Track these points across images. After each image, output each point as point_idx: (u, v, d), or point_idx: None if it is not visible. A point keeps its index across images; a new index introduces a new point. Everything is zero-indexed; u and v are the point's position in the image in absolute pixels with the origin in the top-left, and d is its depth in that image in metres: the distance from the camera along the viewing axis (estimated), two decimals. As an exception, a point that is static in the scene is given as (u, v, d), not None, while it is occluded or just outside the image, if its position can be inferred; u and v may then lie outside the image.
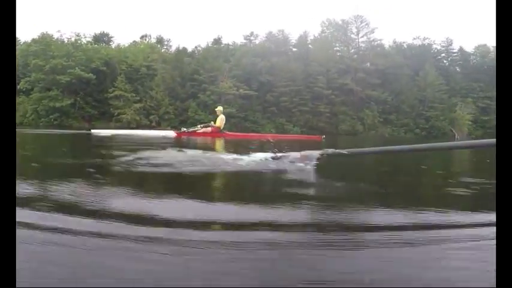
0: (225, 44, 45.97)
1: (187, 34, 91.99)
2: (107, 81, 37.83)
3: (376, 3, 78.98)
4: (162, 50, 45.04)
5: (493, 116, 38.41)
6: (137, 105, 35.94)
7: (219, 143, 7.31)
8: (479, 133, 37.57)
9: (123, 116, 35.28)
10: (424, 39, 40.59)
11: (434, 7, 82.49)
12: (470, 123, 36.63)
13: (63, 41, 39.69)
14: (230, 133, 11.21)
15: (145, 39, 52.41)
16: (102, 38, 51.77)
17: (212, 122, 10.77)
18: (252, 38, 45.20)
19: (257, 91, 37.81)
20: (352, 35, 38.45)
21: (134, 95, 36.69)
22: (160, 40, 53.04)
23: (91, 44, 45.59)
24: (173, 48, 49.57)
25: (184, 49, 43.38)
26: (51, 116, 34.43)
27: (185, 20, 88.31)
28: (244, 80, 37.52)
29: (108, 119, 36.85)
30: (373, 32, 38.42)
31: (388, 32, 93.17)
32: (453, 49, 41.88)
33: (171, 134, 10.64)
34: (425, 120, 36.80)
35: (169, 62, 39.18)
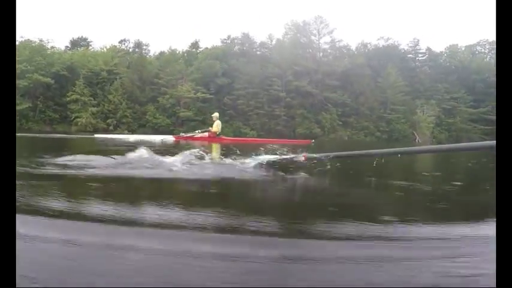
0: (193, 48, 45.86)
1: (167, 38, 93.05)
2: (68, 85, 38.06)
3: (346, 4, 78.44)
4: (135, 55, 45.08)
5: (458, 119, 37.34)
6: (93, 109, 35.97)
7: (215, 147, 7.70)
8: (443, 136, 36.46)
9: (79, 119, 35.32)
10: (388, 39, 39.71)
11: (405, 8, 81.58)
12: (432, 125, 35.50)
13: (27, 46, 40.09)
14: (227, 138, 11.90)
15: (124, 44, 53.16)
16: (80, 43, 52.49)
17: (210, 128, 11.23)
18: (228, 41, 44.80)
19: (215, 94, 37.52)
20: (313, 37, 37.85)
21: (92, 98, 36.77)
22: (138, 44, 53.58)
23: (68, 49, 46.22)
24: (152, 53, 50.16)
25: (151, 53, 43.39)
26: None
27: (165, 25, 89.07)
28: (203, 84, 37.29)
29: (69, 122, 37.05)
30: (332, 33, 37.75)
31: (358, 34, 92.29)
32: (420, 49, 40.89)
33: (170, 138, 11.11)
34: (386, 123, 35.87)
35: (131, 66, 39.17)
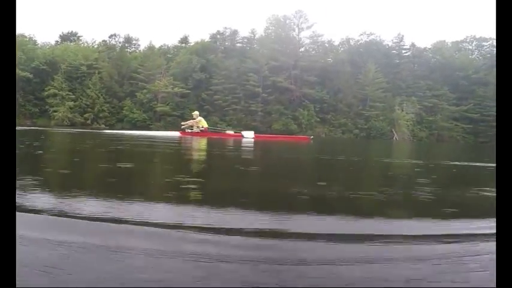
0: (182, 42, 45.56)
1: (158, 33, 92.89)
2: (49, 79, 38.14)
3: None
4: (116, 50, 44.97)
5: (439, 117, 36.63)
6: (70, 103, 36.00)
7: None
8: (423, 134, 35.79)
9: (55, 113, 35.38)
10: (370, 35, 38.98)
11: (395, 3, 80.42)
12: (411, 123, 34.84)
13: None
14: (228, 133, 13.13)
15: (114, 39, 53.19)
16: (69, 37, 52.60)
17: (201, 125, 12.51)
18: (218, 35, 44.28)
19: (194, 89, 37.28)
20: (293, 32, 37.32)
21: (70, 93, 36.80)
22: (128, 39, 53.57)
23: (58, 43, 46.30)
24: (142, 48, 50.06)
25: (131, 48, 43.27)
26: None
27: (156, 19, 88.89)
28: (182, 79, 37.06)
29: (48, 116, 37.14)
30: (311, 27, 37.14)
31: (345, 29, 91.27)
32: (405, 45, 40.10)
33: (176, 134, 12.31)
34: (365, 120, 35.31)
35: (111, 61, 39.07)
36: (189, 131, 12.42)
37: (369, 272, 0.92)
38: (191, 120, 12.62)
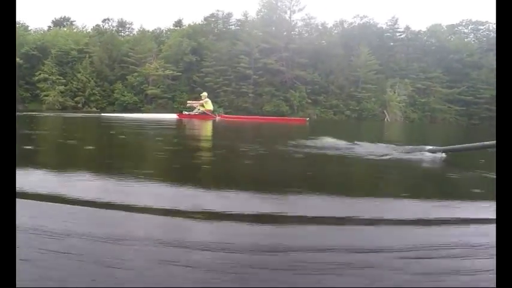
0: (176, 26, 45.16)
1: (154, 17, 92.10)
2: (40, 65, 37.93)
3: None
4: (106, 34, 44.63)
5: (432, 99, 36.38)
6: (61, 88, 35.83)
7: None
8: (415, 116, 35.57)
9: (46, 98, 35.23)
10: (363, 17, 38.60)
11: None
12: (403, 105, 34.61)
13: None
14: (225, 115, 13.42)
15: (107, 23, 52.85)
16: (62, 23, 52.27)
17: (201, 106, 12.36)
18: (213, 19, 43.76)
19: (185, 72, 37.06)
20: (284, 14, 36.96)
21: (61, 77, 36.61)
22: (122, 23, 53.18)
23: (51, 28, 45.93)
24: (135, 32, 49.64)
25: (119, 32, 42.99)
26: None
27: (151, 3, 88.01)
28: (173, 61, 36.83)
29: (40, 101, 37.00)
30: (303, 10, 36.76)
31: (341, 11, 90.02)
32: (399, 28, 39.72)
33: (173, 116, 12.29)
34: (356, 101, 35.06)
35: (102, 45, 38.80)
36: (186, 113, 12.47)
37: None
38: (198, 101, 12.54)
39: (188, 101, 13.33)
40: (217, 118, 12.02)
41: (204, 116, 12.03)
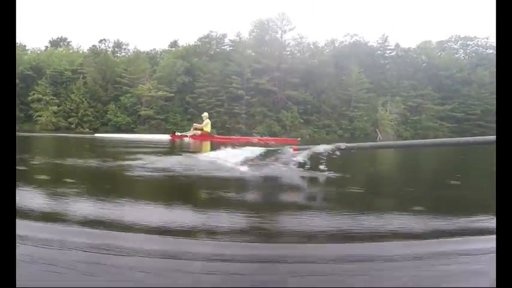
0: (171, 46, 45.61)
1: (150, 38, 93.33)
2: (34, 85, 38.16)
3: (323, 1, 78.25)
4: (101, 55, 45.09)
5: (423, 116, 36.61)
6: (54, 108, 35.98)
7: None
8: (408, 134, 35.73)
9: (39, 118, 35.34)
10: (353, 36, 39.10)
11: (382, 4, 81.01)
12: (395, 123, 34.80)
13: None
14: (218, 136, 13.05)
15: (104, 44, 53.44)
16: (59, 43, 52.83)
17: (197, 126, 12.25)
18: (206, 39, 44.24)
19: (179, 93, 37.30)
20: (276, 34, 37.43)
21: (54, 98, 36.81)
22: (118, 44, 53.77)
23: (48, 48, 46.35)
24: (131, 52, 50.12)
25: (113, 53, 43.39)
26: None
27: (148, 25, 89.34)
28: (166, 82, 37.10)
29: (34, 121, 37.11)
30: (293, 30, 37.27)
31: (333, 31, 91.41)
32: (389, 45, 40.20)
33: (166, 137, 12.13)
34: (348, 120, 35.28)
35: (96, 65, 39.11)
36: (179, 134, 12.27)
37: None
38: (201, 124, 12.19)
39: (194, 124, 13.14)
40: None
41: (197, 137, 11.79)
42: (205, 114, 12.44)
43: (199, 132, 11.73)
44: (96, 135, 13.65)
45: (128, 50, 51.70)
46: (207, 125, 11.94)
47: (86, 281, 0.78)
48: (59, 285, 0.76)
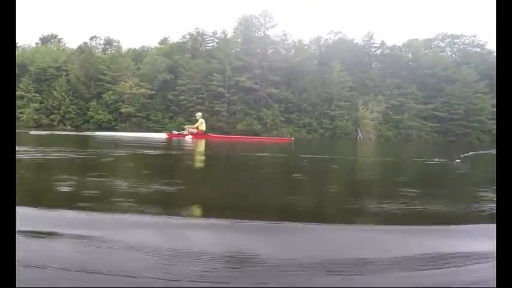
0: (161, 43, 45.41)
1: (143, 35, 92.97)
2: (18, 82, 38.16)
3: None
4: (84, 52, 44.96)
5: (406, 115, 36.34)
6: (36, 105, 36.05)
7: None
8: (391, 133, 35.53)
9: (21, 115, 35.42)
10: (338, 33, 38.74)
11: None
12: (376, 122, 34.58)
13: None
14: (214, 135, 13.63)
15: (95, 41, 53.40)
16: (50, 40, 52.72)
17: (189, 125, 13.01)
18: (198, 37, 43.89)
19: (161, 90, 37.23)
20: (258, 31, 37.15)
21: (37, 95, 36.87)
22: (109, 41, 53.65)
23: (38, 46, 46.32)
24: (124, 50, 50.02)
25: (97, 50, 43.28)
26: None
27: (140, 22, 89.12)
28: (148, 80, 37.01)
29: (17, 118, 37.18)
30: (275, 27, 36.96)
31: (320, 28, 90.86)
32: (374, 43, 39.82)
33: (163, 136, 12.63)
34: (330, 119, 35.09)
35: (78, 62, 39.05)
36: (176, 132, 13.07)
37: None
38: (195, 125, 12.53)
39: (187, 126, 13.17)
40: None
41: (198, 136, 12.05)
42: (199, 113, 12.95)
43: (195, 130, 12.10)
44: (97, 133, 13.99)
45: (120, 47, 51.65)
46: (201, 124, 12.33)
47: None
48: (59, 285, 0.76)
